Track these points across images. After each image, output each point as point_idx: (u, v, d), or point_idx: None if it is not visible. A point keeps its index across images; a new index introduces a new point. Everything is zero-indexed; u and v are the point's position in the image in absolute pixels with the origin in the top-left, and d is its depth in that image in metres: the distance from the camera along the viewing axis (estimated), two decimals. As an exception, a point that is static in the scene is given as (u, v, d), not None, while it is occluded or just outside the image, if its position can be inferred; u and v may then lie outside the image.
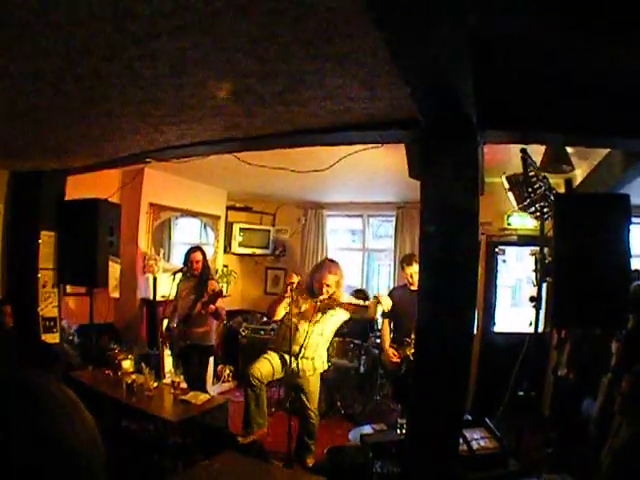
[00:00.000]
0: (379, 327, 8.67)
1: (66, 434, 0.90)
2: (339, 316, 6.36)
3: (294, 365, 6.06)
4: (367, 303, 6.81)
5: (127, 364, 6.36)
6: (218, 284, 7.82)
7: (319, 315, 6.22)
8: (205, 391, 6.49)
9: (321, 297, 6.15)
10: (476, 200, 4.02)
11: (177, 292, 7.50)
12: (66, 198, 6.90)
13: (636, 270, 5.65)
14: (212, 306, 6.98)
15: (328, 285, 6.16)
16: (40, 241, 6.69)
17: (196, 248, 7.63)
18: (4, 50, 3.02)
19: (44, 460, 0.86)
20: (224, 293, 7.55)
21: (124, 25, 2.65)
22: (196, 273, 7.37)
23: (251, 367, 6.24)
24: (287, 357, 6.07)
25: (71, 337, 7.51)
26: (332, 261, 6.62)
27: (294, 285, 5.97)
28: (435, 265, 4.03)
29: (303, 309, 6.20)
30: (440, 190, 4.02)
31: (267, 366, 6.23)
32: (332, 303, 6.25)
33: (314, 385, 6.39)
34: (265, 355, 6.36)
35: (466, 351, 4.13)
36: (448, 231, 3.99)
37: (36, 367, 1.03)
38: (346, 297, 6.57)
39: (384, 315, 7.65)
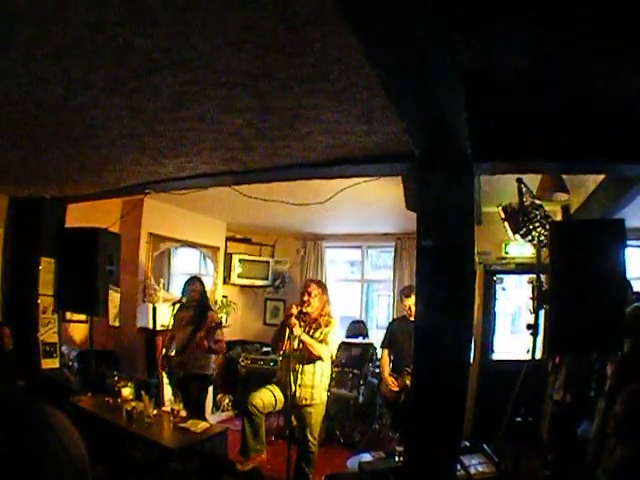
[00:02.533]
0: (378, 357, 8.71)
1: (58, 452, 0.95)
2: (328, 336, 6.30)
3: (292, 393, 6.04)
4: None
5: (127, 391, 6.38)
6: (217, 315, 7.82)
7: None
8: (204, 420, 6.49)
9: (306, 309, 6.12)
10: (472, 231, 4.07)
11: (175, 322, 7.47)
12: (66, 226, 6.94)
13: (636, 293, 5.69)
14: (206, 343, 6.97)
15: (309, 293, 6.18)
16: (40, 267, 6.72)
17: (194, 279, 7.62)
18: (5, 78, 3.08)
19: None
20: (224, 323, 7.56)
21: (125, 58, 2.72)
22: (194, 303, 7.36)
23: (252, 395, 6.21)
24: (290, 387, 6.04)
25: (71, 363, 7.51)
26: (311, 279, 6.81)
27: (294, 316, 5.98)
28: (431, 297, 4.06)
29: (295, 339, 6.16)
30: (436, 222, 4.07)
31: (269, 396, 6.18)
32: (323, 320, 6.23)
33: (316, 417, 6.33)
34: (268, 386, 6.33)
35: (463, 365, 4.18)
36: (444, 262, 4.03)
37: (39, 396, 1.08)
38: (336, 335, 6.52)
39: (383, 346, 7.70)
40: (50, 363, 6.80)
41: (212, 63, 2.74)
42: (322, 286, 6.46)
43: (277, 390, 6.21)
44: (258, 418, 6.13)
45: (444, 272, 4.05)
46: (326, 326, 6.21)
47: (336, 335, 6.46)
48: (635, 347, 4.40)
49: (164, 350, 7.50)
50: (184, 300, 7.38)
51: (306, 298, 6.16)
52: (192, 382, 7.11)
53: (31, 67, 2.89)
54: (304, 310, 6.12)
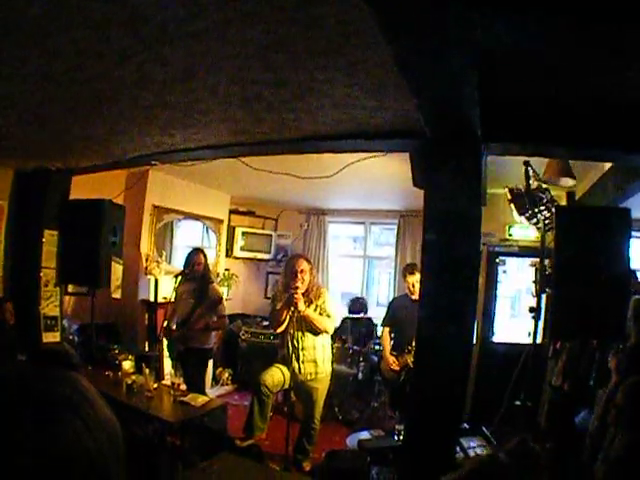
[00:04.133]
0: (379, 334, 8.71)
1: (78, 438, 0.92)
2: (327, 308, 6.33)
3: (297, 370, 6.05)
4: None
5: (127, 365, 6.37)
6: (219, 288, 7.81)
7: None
8: (204, 394, 6.49)
9: (297, 285, 6.10)
10: (478, 210, 4.05)
11: (176, 294, 7.45)
12: (70, 198, 6.92)
13: None
14: (207, 318, 7.04)
15: (302, 271, 6.16)
16: (43, 240, 6.70)
17: (197, 250, 7.58)
18: (15, 50, 3.05)
19: (52, 461, 0.87)
20: (226, 296, 7.56)
21: (136, 30, 2.69)
22: (197, 275, 7.33)
23: (262, 375, 6.26)
24: (293, 364, 6.05)
25: (71, 336, 7.50)
26: (298, 254, 6.89)
27: (299, 290, 5.96)
28: (436, 273, 4.07)
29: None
30: (443, 200, 4.06)
31: (278, 375, 6.23)
32: (317, 293, 6.26)
33: (322, 392, 6.38)
34: (277, 365, 6.36)
35: (465, 359, 4.17)
36: (450, 240, 4.03)
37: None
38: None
39: (384, 324, 7.69)
40: (51, 337, 6.79)
41: (225, 34, 2.71)
42: (309, 261, 6.48)
43: (285, 369, 6.21)
44: (267, 397, 6.16)
45: (450, 255, 4.04)
46: (318, 298, 6.21)
47: (332, 303, 6.48)
48: None
49: (165, 322, 7.48)
50: (186, 272, 7.35)
51: (300, 276, 6.13)
52: (192, 356, 7.10)
53: (41, 39, 2.86)
54: (298, 286, 6.09)
